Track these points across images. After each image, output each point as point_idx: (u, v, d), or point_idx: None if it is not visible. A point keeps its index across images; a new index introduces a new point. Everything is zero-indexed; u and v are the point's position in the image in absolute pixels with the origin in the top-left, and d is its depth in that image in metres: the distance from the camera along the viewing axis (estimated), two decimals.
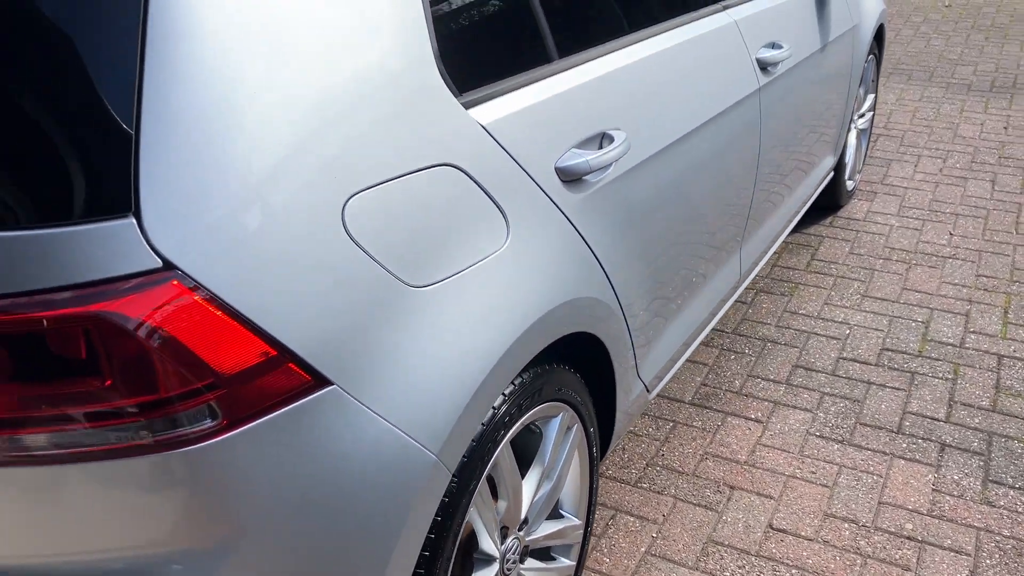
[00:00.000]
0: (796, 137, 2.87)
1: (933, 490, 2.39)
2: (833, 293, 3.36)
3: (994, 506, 2.32)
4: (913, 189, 4.24)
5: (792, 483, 2.42)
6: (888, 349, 3.00)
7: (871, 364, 2.93)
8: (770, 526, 2.27)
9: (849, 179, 3.96)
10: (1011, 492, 2.37)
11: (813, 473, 2.45)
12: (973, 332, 3.08)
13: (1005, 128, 4.95)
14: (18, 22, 1.06)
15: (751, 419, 2.68)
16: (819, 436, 2.60)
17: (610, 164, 1.70)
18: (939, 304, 3.26)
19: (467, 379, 1.35)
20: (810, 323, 3.17)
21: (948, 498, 2.35)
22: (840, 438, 2.59)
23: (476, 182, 1.42)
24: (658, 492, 2.40)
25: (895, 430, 2.61)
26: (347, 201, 1.22)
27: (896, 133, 4.96)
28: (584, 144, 1.69)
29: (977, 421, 2.65)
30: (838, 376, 2.87)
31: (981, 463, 2.48)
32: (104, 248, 1.03)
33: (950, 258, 3.59)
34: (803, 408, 2.72)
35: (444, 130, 1.38)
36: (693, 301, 2.33)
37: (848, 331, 3.11)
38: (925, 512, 2.31)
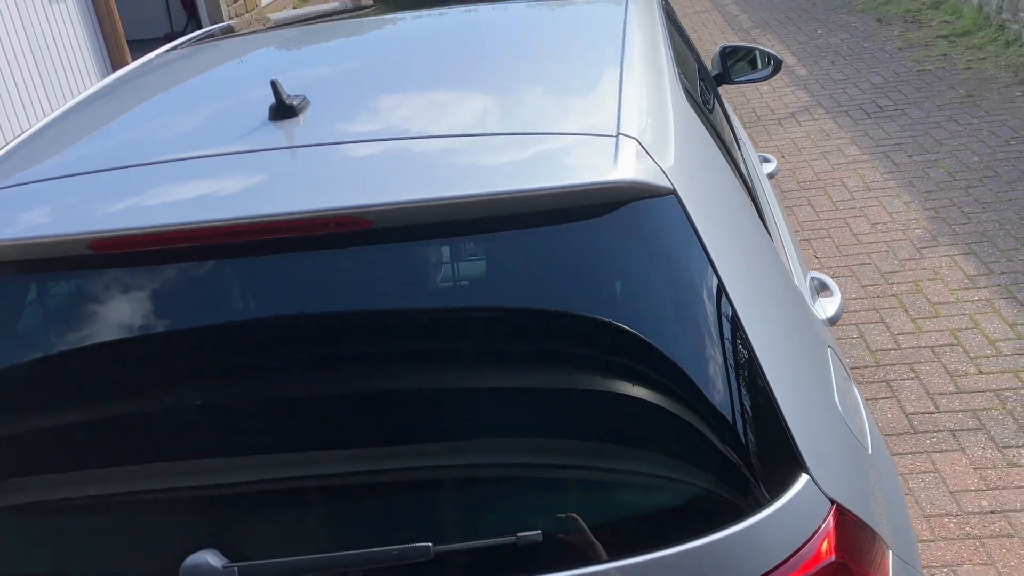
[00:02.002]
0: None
1: (975, 469, 3.07)
2: None
3: (1020, 465, 3.05)
4: None
5: None
6: (853, 367, 3.70)
7: (855, 382, 3.60)
8: None
9: None
10: (1022, 450, 3.12)
11: None
12: (899, 334, 3.86)
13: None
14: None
15: None
16: None
17: None
18: (858, 319, 4.02)
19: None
20: None
21: (988, 471, 3.05)
22: None
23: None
24: None
25: (911, 431, 3.29)
26: None
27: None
28: None
29: (956, 404, 3.40)
30: None
31: (986, 436, 3.21)
32: (795, 509, 1.29)
33: (834, 278, 4.40)
34: None
35: None
36: None
37: None
38: (985, 487, 2.99)
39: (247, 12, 12.73)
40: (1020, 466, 3.06)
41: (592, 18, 2.15)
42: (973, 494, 2.97)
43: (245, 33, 2.66)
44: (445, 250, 1.52)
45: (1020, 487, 2.97)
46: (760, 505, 1.27)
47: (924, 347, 3.75)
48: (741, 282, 1.43)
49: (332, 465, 1.30)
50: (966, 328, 3.84)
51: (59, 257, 1.42)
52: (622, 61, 1.79)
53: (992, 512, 2.89)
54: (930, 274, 4.28)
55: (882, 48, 7.77)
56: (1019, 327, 3.79)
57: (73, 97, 2.24)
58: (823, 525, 1.30)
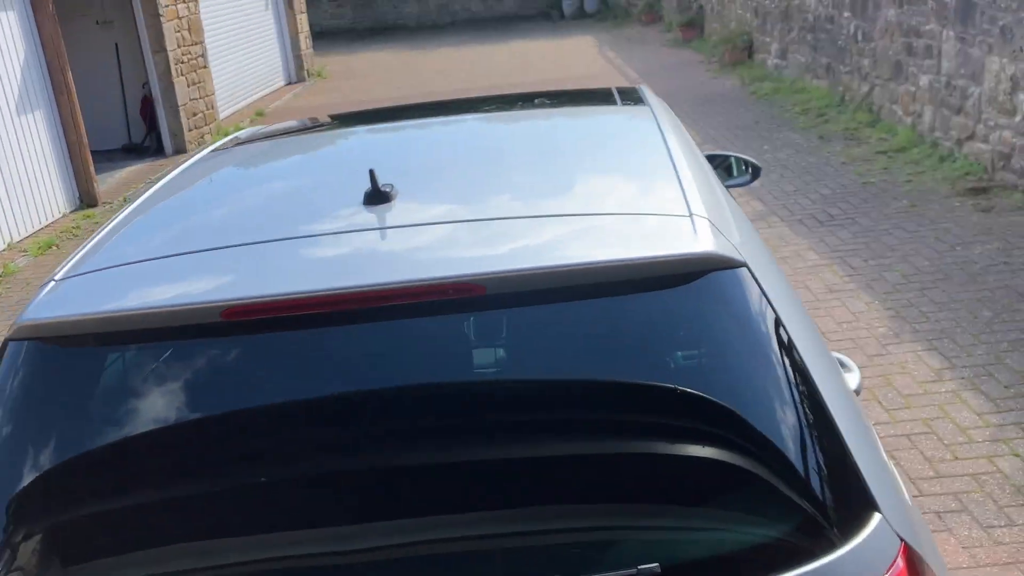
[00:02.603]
0: None
1: (963, 548, 3.23)
2: None
3: (1005, 543, 3.23)
4: None
5: None
6: None
7: None
8: None
9: None
10: (1006, 529, 3.30)
11: None
12: (876, 424, 4.06)
13: None
14: None
15: None
16: None
17: None
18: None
19: None
20: None
21: (977, 550, 3.22)
22: None
23: None
24: None
25: None
26: None
27: None
28: None
29: (938, 488, 3.57)
30: None
31: (970, 517, 3.39)
32: (874, 543, 1.43)
33: None
34: None
35: None
36: None
37: None
38: (976, 565, 3.14)
39: (206, 126, 12.98)
40: (1005, 544, 3.23)
41: (631, 123, 2.37)
42: (965, 571, 3.12)
43: (279, 135, 2.82)
44: (550, 314, 1.66)
45: (1008, 562, 3.14)
46: (846, 540, 1.41)
47: (901, 435, 3.95)
48: (805, 344, 1.60)
49: (465, 528, 1.41)
50: (938, 417, 4.06)
51: (191, 324, 1.53)
52: (671, 157, 1.99)
53: None
54: (898, 368, 4.52)
55: (827, 162, 8.26)
56: (987, 416, 4.03)
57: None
58: (896, 560, 1.44)
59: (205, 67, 13.16)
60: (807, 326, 1.73)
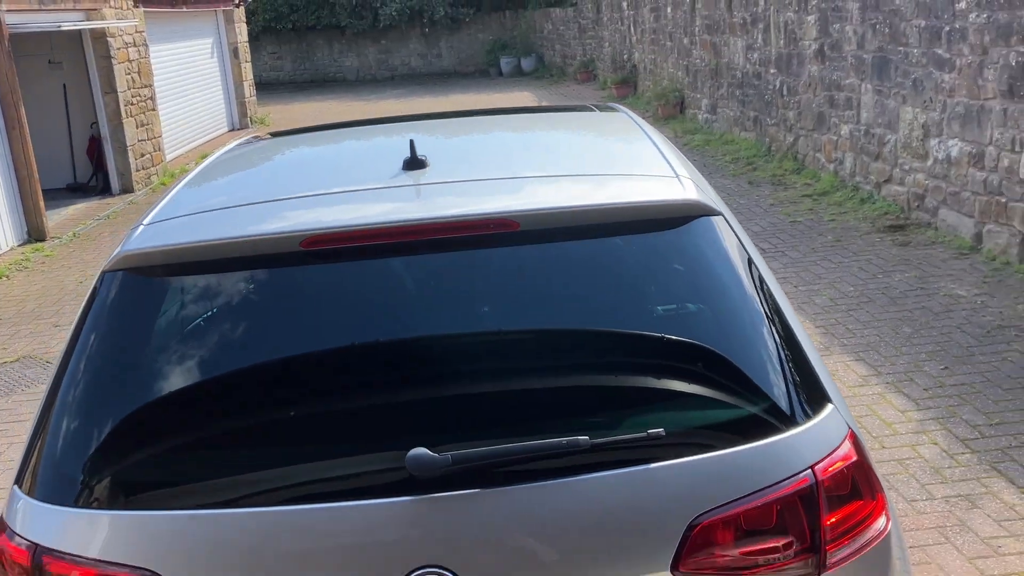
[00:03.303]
0: None
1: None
2: None
3: (926, 513, 3.63)
4: None
5: None
6: None
7: None
8: None
9: None
10: (926, 503, 3.70)
11: None
12: None
13: None
14: None
15: None
16: None
17: None
18: None
19: None
20: None
21: (903, 518, 3.61)
22: None
23: None
24: None
25: None
26: None
27: None
28: None
29: None
30: None
31: (896, 493, 3.79)
32: (812, 439, 1.78)
33: None
34: None
35: None
36: None
37: None
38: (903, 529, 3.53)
39: (153, 167, 13.11)
40: (927, 514, 3.63)
41: (614, 121, 2.76)
42: None
43: (296, 132, 3.13)
44: (573, 247, 2.00)
45: (930, 528, 3.54)
46: (809, 420, 1.78)
47: None
48: (769, 277, 1.98)
49: (510, 397, 1.76)
50: (866, 415, 4.49)
51: (275, 253, 1.84)
52: (653, 142, 2.39)
53: (910, 547, 3.43)
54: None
55: (757, 204, 8.83)
56: (909, 413, 4.47)
57: None
58: (847, 437, 1.81)
59: (153, 110, 13.34)
60: (767, 267, 2.12)
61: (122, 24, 12.17)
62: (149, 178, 12.96)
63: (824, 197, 8.74)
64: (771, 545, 1.68)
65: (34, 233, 9.97)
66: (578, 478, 1.66)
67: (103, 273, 1.95)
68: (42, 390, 5.72)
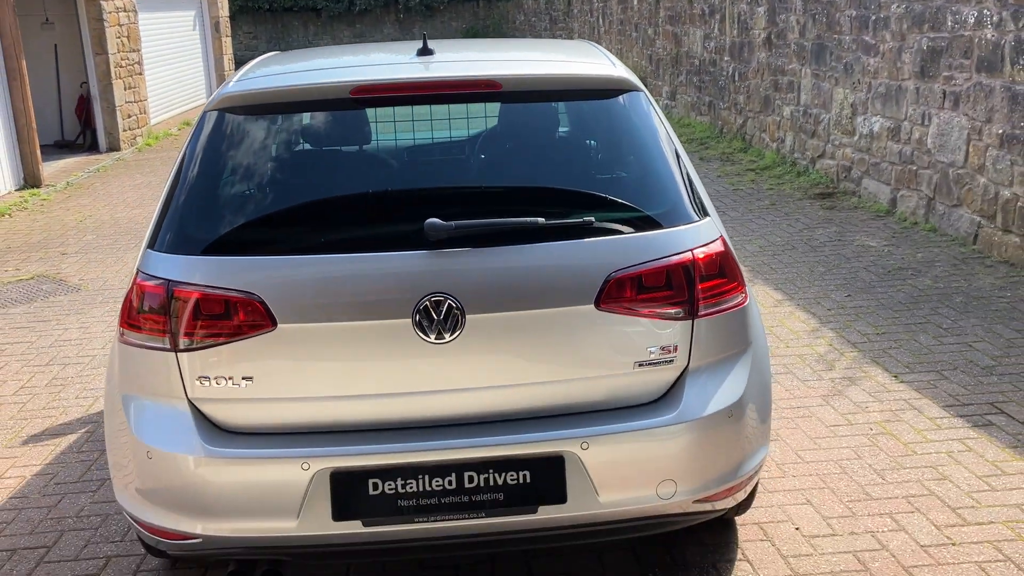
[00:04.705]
0: None
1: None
2: None
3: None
4: None
5: None
6: None
7: None
8: None
9: None
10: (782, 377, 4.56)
11: None
12: None
13: None
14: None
15: None
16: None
17: None
18: None
19: None
20: None
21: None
22: None
23: None
24: None
25: None
26: None
27: None
28: None
29: (775, 363, 4.83)
30: None
31: (792, 378, 4.64)
32: (693, 234, 2.60)
33: None
34: None
35: None
36: None
37: None
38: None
39: (139, 128, 13.70)
40: (814, 388, 4.49)
41: (579, 43, 3.60)
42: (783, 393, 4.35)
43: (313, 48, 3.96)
44: (539, 105, 2.82)
45: (815, 396, 4.39)
46: (694, 221, 2.61)
47: None
48: (675, 138, 2.81)
49: (461, 180, 2.68)
50: (777, 326, 5.35)
51: (331, 98, 2.65)
52: (602, 51, 3.22)
53: (798, 409, 4.28)
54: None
55: (705, 176, 9.70)
56: (812, 324, 5.33)
57: None
58: (719, 239, 2.65)
59: (140, 74, 13.94)
60: (674, 133, 2.95)
61: None
62: (135, 138, 13.57)
63: (766, 171, 9.63)
64: (663, 295, 2.51)
65: (30, 180, 10.57)
66: (536, 244, 2.48)
67: (205, 112, 2.74)
68: (57, 301, 6.44)
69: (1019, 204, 6.10)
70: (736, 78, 11.13)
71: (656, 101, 14.58)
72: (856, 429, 4.05)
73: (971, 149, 6.62)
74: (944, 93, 6.90)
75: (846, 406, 4.28)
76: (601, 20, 17.92)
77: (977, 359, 4.73)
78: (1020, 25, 5.98)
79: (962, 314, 5.38)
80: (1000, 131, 6.25)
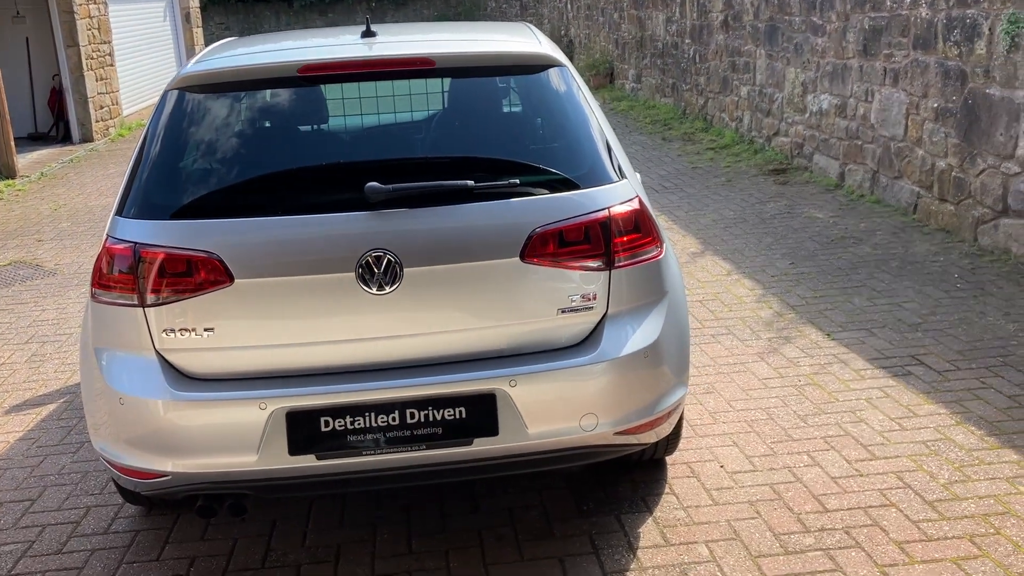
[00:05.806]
0: None
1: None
2: None
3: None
4: None
5: None
6: None
7: None
8: None
9: None
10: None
11: None
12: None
13: None
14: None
15: None
16: None
17: None
18: None
19: None
20: None
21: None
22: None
23: None
24: None
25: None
26: None
27: None
28: None
29: (715, 326, 5.13)
30: None
31: (733, 337, 4.95)
32: (610, 193, 2.89)
33: None
34: None
35: None
36: None
37: None
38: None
39: (111, 119, 13.84)
40: (751, 346, 4.79)
41: (514, 25, 3.87)
42: (719, 359, 4.65)
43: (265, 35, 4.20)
44: (469, 80, 3.10)
45: (752, 354, 4.69)
46: (612, 183, 2.89)
47: (696, 301, 5.51)
48: (597, 109, 3.10)
49: (399, 149, 2.98)
50: (721, 292, 5.65)
51: (280, 76, 2.91)
52: (533, 32, 3.49)
53: (736, 365, 4.58)
54: (699, 269, 6.12)
55: (666, 155, 10.01)
56: (755, 291, 5.64)
57: None
58: (635, 198, 2.93)
59: (112, 65, 14.07)
60: (598, 106, 3.23)
61: None
62: (108, 129, 13.72)
63: (725, 150, 9.94)
64: (582, 249, 2.80)
65: (5, 171, 10.73)
66: (465, 204, 2.75)
67: (166, 91, 2.99)
68: (34, 284, 6.66)
69: (954, 174, 6.42)
70: (697, 60, 11.42)
71: (623, 85, 14.98)
72: (786, 381, 4.36)
73: (910, 123, 6.94)
74: (885, 70, 7.22)
75: (779, 362, 4.59)
76: (569, 6, 18.15)
77: (905, 317, 5.05)
78: (951, 4, 6.29)
79: (896, 278, 5.70)
80: (935, 105, 6.57)
